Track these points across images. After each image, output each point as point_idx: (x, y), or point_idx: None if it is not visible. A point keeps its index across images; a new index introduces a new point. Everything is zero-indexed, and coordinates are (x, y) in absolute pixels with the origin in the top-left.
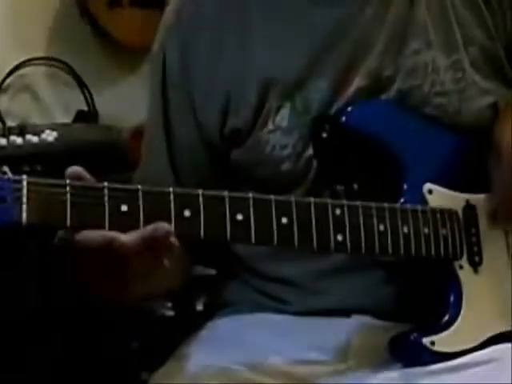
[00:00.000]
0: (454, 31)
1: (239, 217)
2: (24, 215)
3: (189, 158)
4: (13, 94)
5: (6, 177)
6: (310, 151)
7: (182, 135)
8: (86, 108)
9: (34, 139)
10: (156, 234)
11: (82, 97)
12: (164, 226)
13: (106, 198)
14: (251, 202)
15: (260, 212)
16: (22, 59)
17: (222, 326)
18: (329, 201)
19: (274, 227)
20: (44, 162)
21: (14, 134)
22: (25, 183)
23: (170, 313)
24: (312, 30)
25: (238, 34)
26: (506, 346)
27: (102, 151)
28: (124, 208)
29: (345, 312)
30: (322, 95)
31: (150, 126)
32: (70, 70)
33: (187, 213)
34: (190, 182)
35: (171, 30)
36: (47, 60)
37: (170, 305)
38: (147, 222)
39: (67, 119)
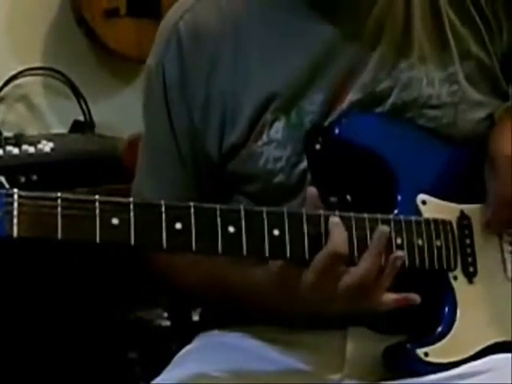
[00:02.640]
0: (450, 45)
1: (231, 229)
2: (15, 229)
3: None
4: (9, 104)
5: None
6: (304, 164)
7: (187, 150)
8: (82, 118)
9: (30, 149)
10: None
11: (78, 107)
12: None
13: (98, 211)
14: (243, 214)
15: (252, 224)
16: (18, 69)
17: (215, 337)
18: (321, 212)
19: (266, 239)
20: (40, 172)
21: (10, 144)
22: (16, 196)
23: (167, 323)
24: (309, 45)
25: (234, 48)
26: (505, 356)
27: (98, 161)
28: (115, 221)
29: (341, 324)
30: (316, 109)
31: (157, 141)
32: (67, 80)
33: (178, 225)
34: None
35: (169, 43)
36: (44, 70)
37: (166, 315)
38: (138, 234)
39: (63, 129)
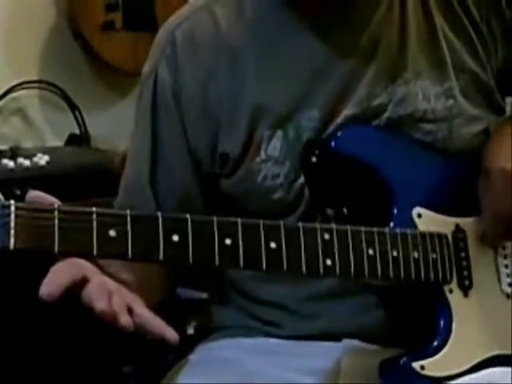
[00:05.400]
0: (446, 59)
1: (228, 241)
2: (12, 241)
3: (178, 185)
4: (5, 118)
5: None
6: (302, 179)
7: (173, 158)
8: (78, 131)
9: (26, 163)
10: None
11: (74, 120)
12: None
13: (95, 224)
14: (240, 227)
15: (249, 237)
16: (14, 82)
17: (212, 350)
18: (317, 225)
19: (263, 252)
20: (36, 185)
21: (5, 157)
22: (13, 208)
23: None
24: (304, 60)
25: (230, 60)
26: (502, 369)
27: (94, 175)
28: (112, 233)
29: (336, 336)
30: (313, 125)
31: (136, 143)
32: (63, 94)
33: (175, 238)
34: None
35: (164, 51)
36: (39, 83)
37: None
38: (135, 247)
39: (59, 142)
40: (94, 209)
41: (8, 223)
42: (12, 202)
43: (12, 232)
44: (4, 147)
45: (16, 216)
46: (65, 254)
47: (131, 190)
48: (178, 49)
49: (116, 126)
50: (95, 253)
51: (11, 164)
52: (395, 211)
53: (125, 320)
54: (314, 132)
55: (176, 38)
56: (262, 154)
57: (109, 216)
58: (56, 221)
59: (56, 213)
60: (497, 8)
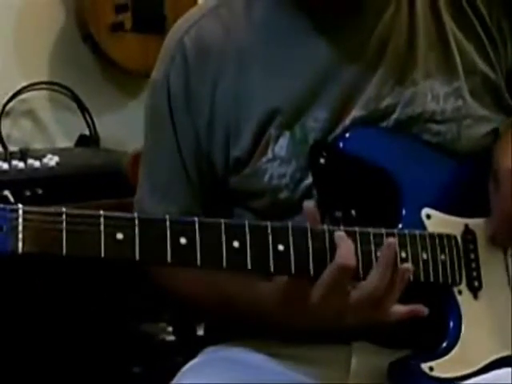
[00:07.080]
0: (455, 60)
1: (235, 244)
2: (20, 244)
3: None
4: (15, 119)
5: (1, 206)
6: (309, 180)
7: (192, 164)
8: (87, 132)
9: (36, 164)
10: None
11: (83, 121)
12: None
13: (102, 227)
14: (247, 229)
15: (256, 239)
16: (23, 84)
17: (222, 351)
18: (325, 227)
19: (271, 254)
20: (45, 186)
21: (15, 158)
22: (21, 212)
23: (171, 337)
24: (312, 62)
25: (237, 63)
26: (509, 370)
27: (104, 176)
28: (120, 236)
29: (345, 339)
30: (320, 126)
31: (161, 155)
32: (72, 95)
33: (183, 240)
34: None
35: (174, 59)
36: (49, 85)
37: (170, 329)
38: (143, 250)
39: (69, 144)
40: (101, 212)
41: (16, 227)
42: (20, 205)
43: (20, 236)
44: (14, 148)
45: (24, 220)
46: (72, 258)
47: (172, 193)
48: (188, 56)
49: (125, 127)
50: (102, 255)
51: (21, 165)
52: (404, 212)
53: None
54: (320, 133)
55: (185, 45)
56: (269, 154)
57: (116, 219)
58: (64, 224)
59: (64, 216)
60: (507, 9)
